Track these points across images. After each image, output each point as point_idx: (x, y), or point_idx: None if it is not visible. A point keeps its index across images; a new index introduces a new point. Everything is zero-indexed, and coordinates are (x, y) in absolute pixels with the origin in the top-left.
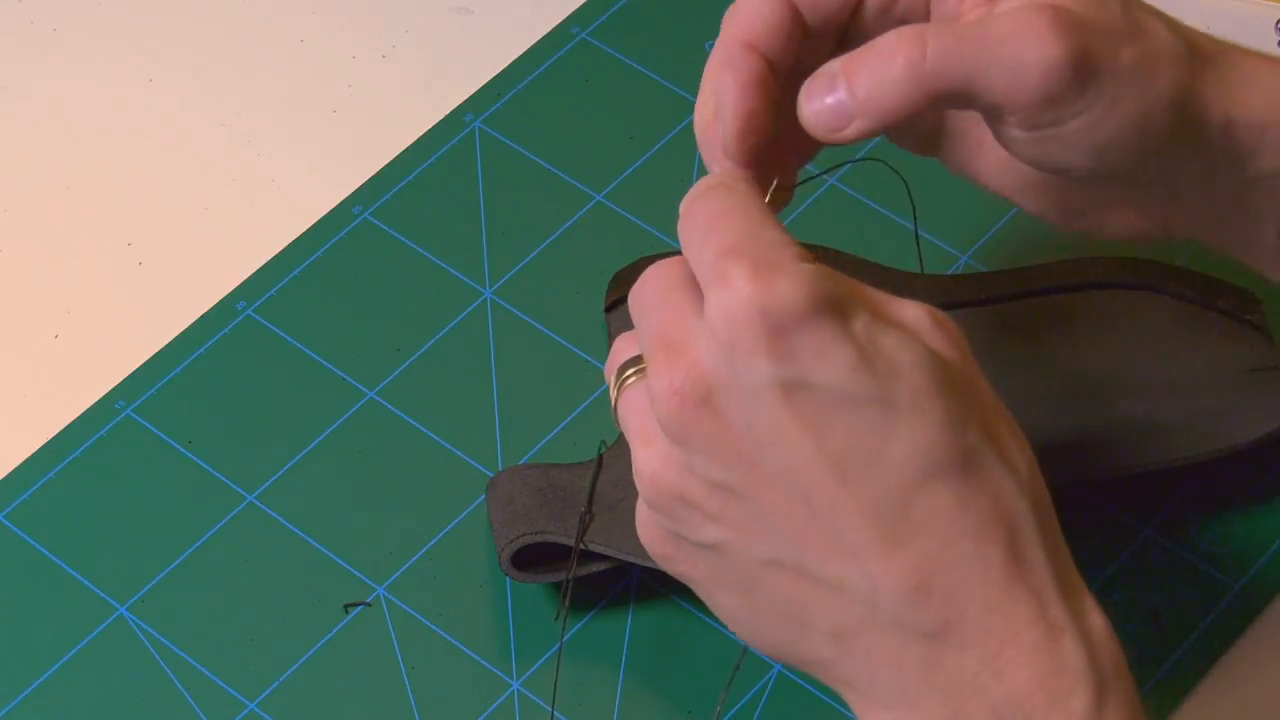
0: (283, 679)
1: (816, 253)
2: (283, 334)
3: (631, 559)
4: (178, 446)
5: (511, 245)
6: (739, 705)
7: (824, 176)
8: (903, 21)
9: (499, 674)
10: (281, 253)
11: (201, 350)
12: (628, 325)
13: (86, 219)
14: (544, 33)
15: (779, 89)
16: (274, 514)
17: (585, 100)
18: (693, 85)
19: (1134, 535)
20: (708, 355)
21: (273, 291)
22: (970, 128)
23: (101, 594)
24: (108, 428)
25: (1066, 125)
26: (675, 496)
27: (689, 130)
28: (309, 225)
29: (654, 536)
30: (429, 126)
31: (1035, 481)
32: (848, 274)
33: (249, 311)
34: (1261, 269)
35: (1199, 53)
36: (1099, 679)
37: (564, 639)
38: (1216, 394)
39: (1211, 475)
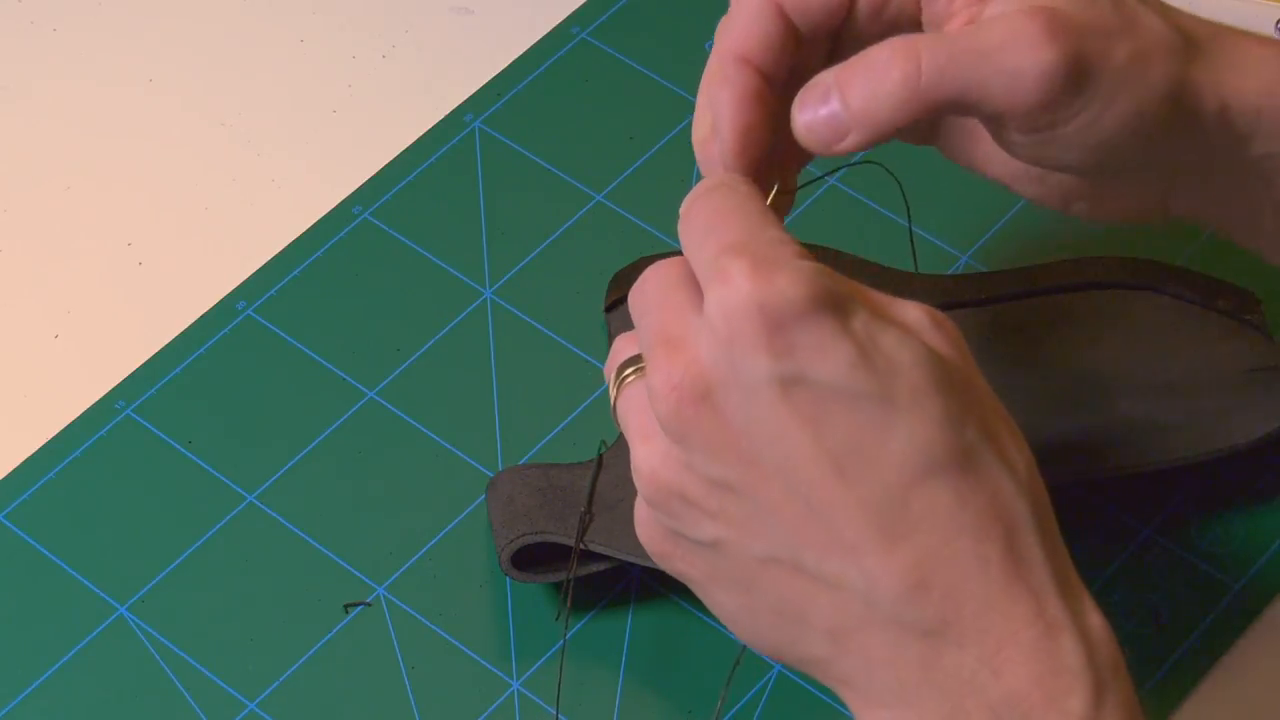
0: (283, 679)
1: (816, 253)
2: (283, 334)
3: (631, 559)
4: (178, 446)
5: (511, 245)
6: (739, 705)
7: (824, 177)
8: (894, 23)
9: (499, 674)
10: (281, 253)
11: (201, 350)
12: (628, 325)
13: (86, 219)
14: (544, 33)
15: (775, 99)
16: (274, 514)
17: (585, 100)
18: (693, 85)
19: (1134, 535)
20: (707, 351)
21: (273, 291)
22: (966, 117)
23: (101, 594)
24: (108, 428)
25: (1064, 128)
26: (674, 494)
27: (689, 130)
28: (309, 225)
29: (652, 535)
30: (429, 126)
31: (1034, 481)
32: (847, 274)
33: (249, 311)
34: (1261, 251)
35: (1192, 40)
36: (1097, 678)
37: (565, 639)
38: (1216, 394)
39: (1211, 475)
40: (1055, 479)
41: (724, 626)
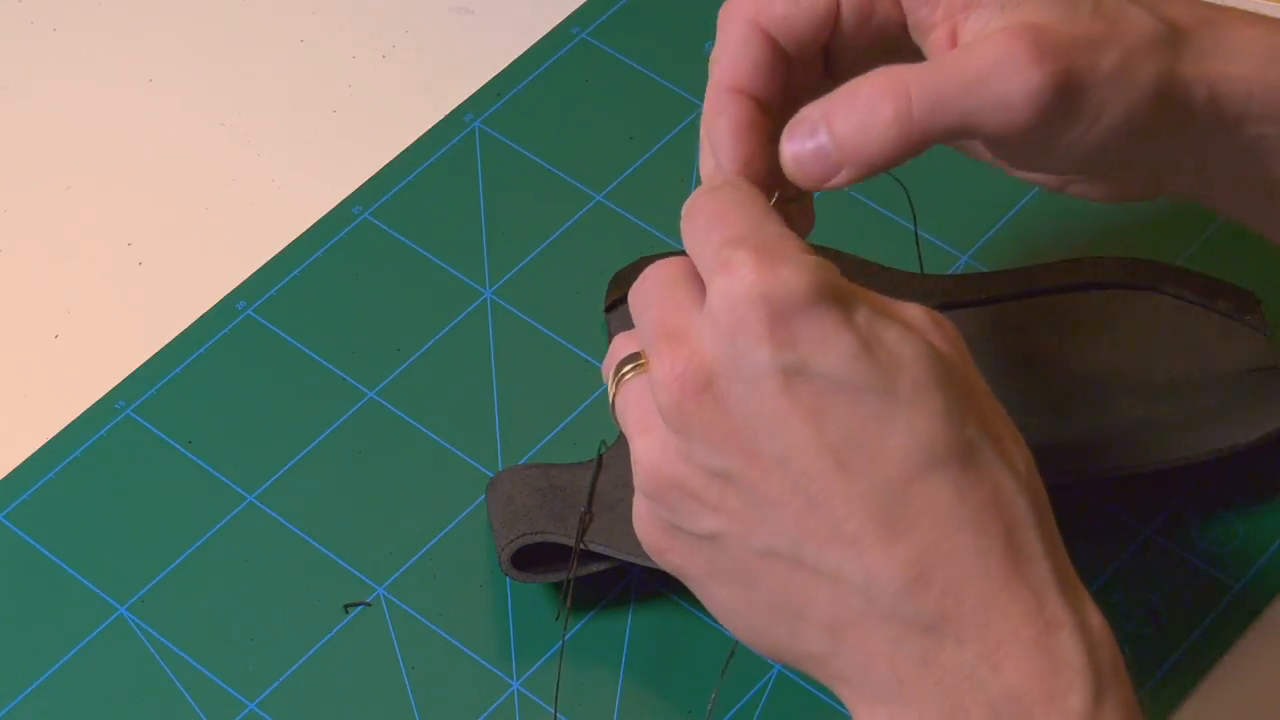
0: (283, 679)
1: (816, 252)
2: (283, 334)
3: (631, 559)
4: (178, 446)
5: (511, 245)
6: (739, 705)
7: None
8: (882, 29)
9: (499, 674)
10: (281, 253)
11: (201, 350)
12: (628, 325)
13: (86, 219)
14: (544, 33)
15: (774, 124)
16: (274, 514)
17: (585, 100)
18: (693, 85)
19: (1134, 535)
20: (710, 343)
21: (273, 291)
22: None
23: (101, 594)
24: (108, 428)
25: (1055, 141)
26: (673, 485)
27: (689, 130)
28: (309, 225)
29: (651, 529)
30: (429, 126)
31: (1033, 480)
32: (847, 274)
33: (249, 311)
34: (1259, 229)
35: (1178, 31)
36: (1097, 676)
37: (565, 639)
38: (1216, 394)
39: (1211, 475)
40: (1055, 479)
41: (724, 626)
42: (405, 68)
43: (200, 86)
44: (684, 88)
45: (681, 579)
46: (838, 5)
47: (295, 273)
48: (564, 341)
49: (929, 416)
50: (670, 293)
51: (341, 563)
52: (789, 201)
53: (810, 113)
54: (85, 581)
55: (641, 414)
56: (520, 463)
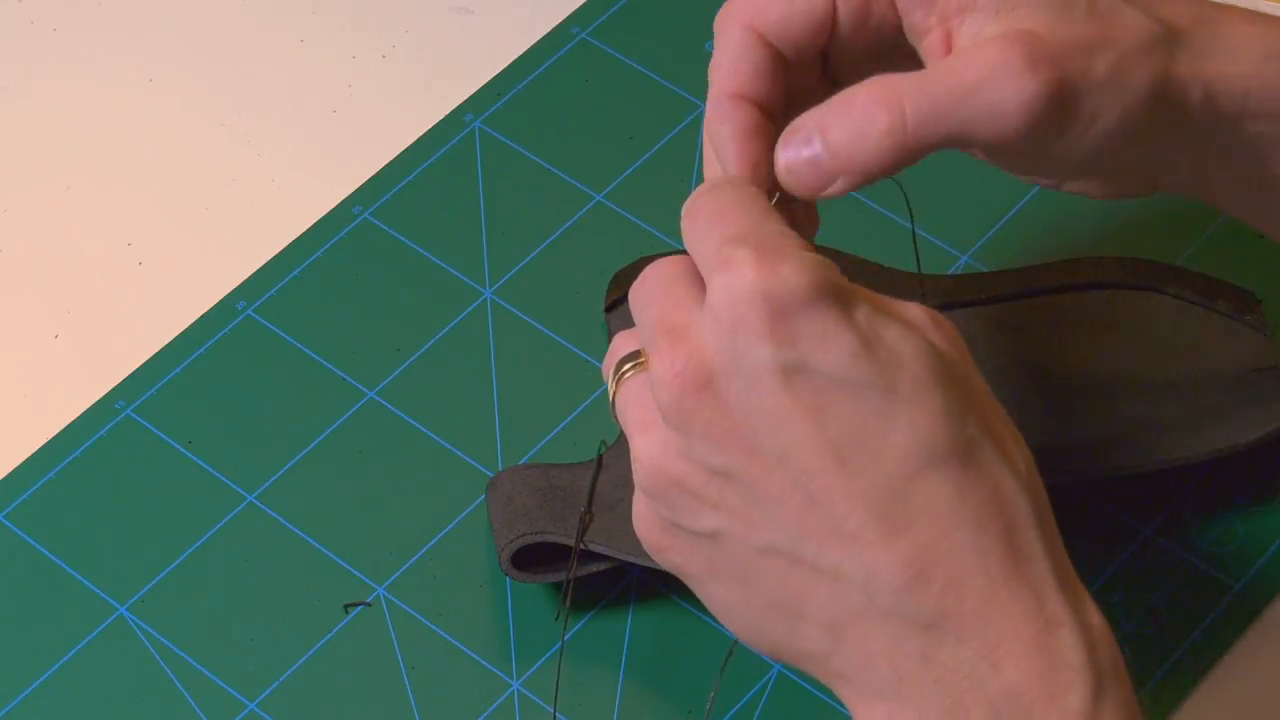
0: (283, 679)
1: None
2: (283, 334)
3: (631, 559)
4: (178, 446)
5: (511, 245)
6: (739, 705)
7: None
8: (879, 31)
9: (499, 674)
10: (281, 253)
11: (201, 350)
12: (628, 325)
13: (86, 219)
14: (544, 33)
15: (776, 128)
16: (274, 514)
17: (585, 100)
18: (692, 85)
19: (1134, 535)
20: (710, 339)
21: (273, 291)
22: None
23: (101, 594)
24: (108, 428)
25: (1049, 148)
26: (674, 483)
27: (689, 130)
28: (309, 225)
29: (650, 527)
30: (429, 126)
31: (1033, 479)
32: (847, 274)
33: (249, 311)
34: (1257, 225)
35: (1174, 30)
36: (1097, 675)
37: (565, 639)
38: (1216, 394)
39: (1211, 475)
40: (1055, 479)
41: (724, 626)
42: (405, 68)
43: (200, 86)
44: (684, 88)
45: (681, 577)
46: (834, 9)
47: (295, 273)
48: (564, 341)
49: (929, 414)
50: (671, 291)
51: (341, 563)
52: (791, 203)
53: (804, 122)
54: (85, 581)
55: (641, 412)
56: (520, 463)
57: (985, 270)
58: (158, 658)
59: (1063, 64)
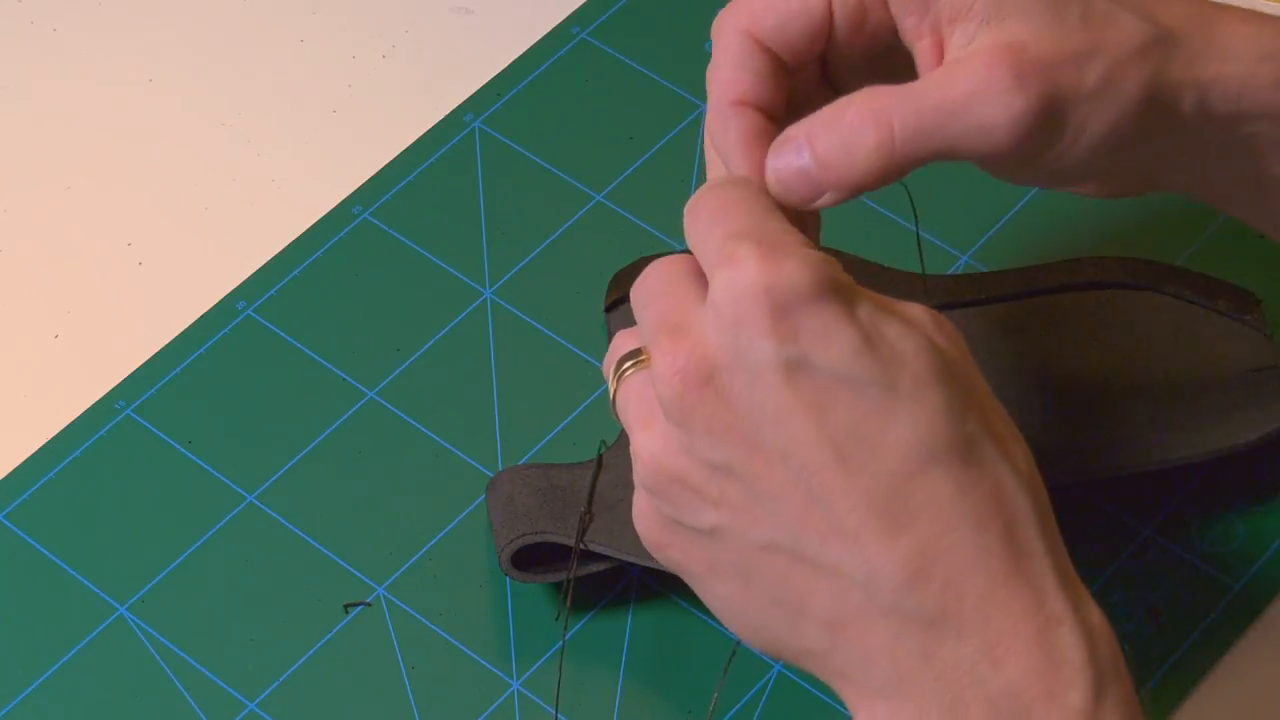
0: (283, 679)
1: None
2: (283, 334)
3: (631, 559)
4: (178, 446)
5: (511, 245)
6: (739, 705)
7: None
8: (875, 36)
9: (499, 674)
10: (281, 253)
11: (201, 350)
12: (628, 325)
13: (86, 219)
14: (544, 33)
15: (780, 130)
16: (274, 514)
17: (585, 100)
18: (693, 85)
19: (1134, 535)
20: (712, 335)
21: (273, 291)
22: None
23: (101, 594)
24: (108, 428)
25: (1039, 159)
26: (675, 479)
27: (689, 130)
28: (309, 225)
29: (651, 524)
30: (429, 126)
31: (1034, 478)
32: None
33: (249, 311)
34: (1254, 223)
35: (1168, 33)
36: (1097, 673)
37: (565, 639)
38: (1216, 394)
39: (1211, 475)
40: (1055, 479)
41: (724, 625)
42: (405, 68)
43: (200, 86)
44: (684, 88)
45: (681, 575)
46: (830, 14)
47: (295, 273)
48: (564, 341)
49: (930, 412)
50: (673, 288)
51: (341, 563)
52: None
53: (795, 133)
54: (85, 581)
55: (642, 409)
56: (520, 463)
57: (985, 270)
58: (158, 658)
59: (1051, 78)
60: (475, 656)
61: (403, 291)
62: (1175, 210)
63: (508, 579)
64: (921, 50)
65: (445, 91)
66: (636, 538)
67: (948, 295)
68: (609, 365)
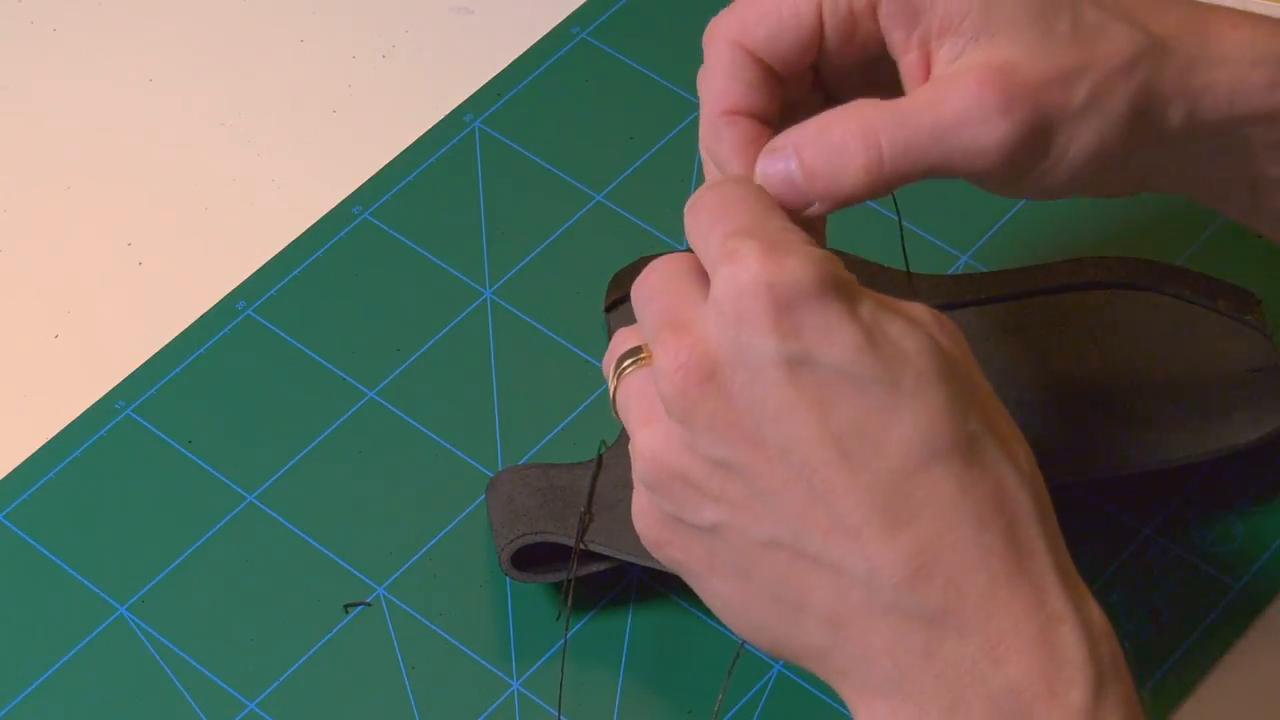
0: (283, 679)
1: None
2: (283, 334)
3: (631, 559)
4: (178, 446)
5: (511, 245)
6: (739, 705)
7: None
8: (865, 50)
9: (499, 674)
10: (281, 253)
11: (201, 350)
12: (628, 324)
13: (86, 219)
14: (544, 33)
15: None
16: (274, 514)
17: (585, 100)
18: (693, 85)
19: (1134, 535)
20: (714, 331)
21: (273, 291)
22: None
23: (101, 594)
24: (108, 428)
25: (1027, 175)
26: (676, 476)
27: (689, 130)
28: (309, 225)
29: (651, 523)
30: (429, 126)
31: (1035, 476)
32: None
33: (249, 311)
34: (1247, 223)
35: (1161, 41)
36: (1098, 671)
37: (565, 639)
38: (1216, 394)
39: (1211, 475)
40: (1055, 478)
41: (725, 626)
42: (405, 68)
43: (200, 86)
44: (684, 88)
45: (681, 574)
46: (821, 26)
47: (295, 273)
48: (564, 341)
49: (932, 409)
50: (675, 286)
51: (341, 563)
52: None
53: (783, 142)
54: (85, 581)
55: (643, 406)
56: (520, 463)
57: (985, 270)
58: (158, 658)
59: (1038, 100)
60: (475, 656)
61: (403, 291)
62: (1175, 210)
63: (508, 579)
64: (907, 64)
65: (445, 91)
66: (637, 537)
67: (948, 295)
68: (609, 363)
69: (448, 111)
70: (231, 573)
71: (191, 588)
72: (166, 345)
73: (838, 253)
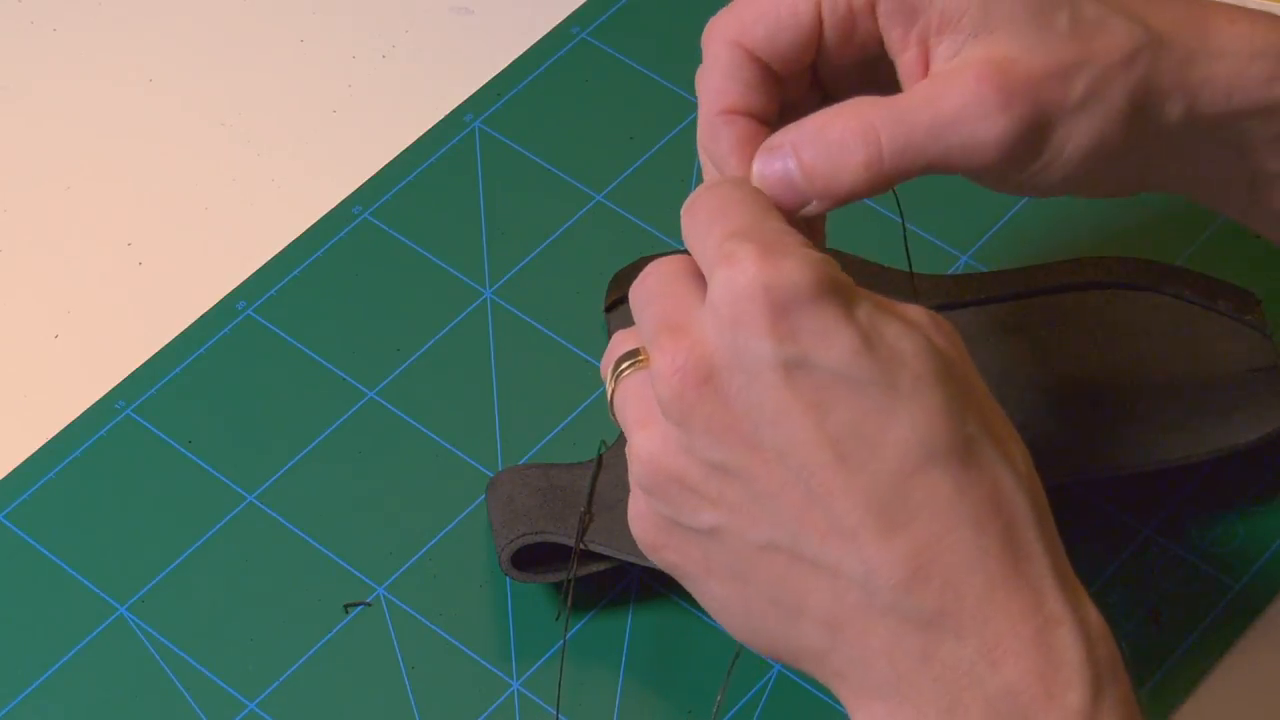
0: (283, 679)
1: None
2: (283, 334)
3: (631, 559)
4: (178, 446)
5: (511, 245)
6: (739, 705)
7: None
8: (863, 50)
9: (499, 674)
10: (281, 253)
11: (201, 350)
12: (628, 325)
13: (86, 219)
14: (544, 33)
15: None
16: (274, 514)
17: (585, 100)
18: (693, 85)
19: (1134, 535)
20: (711, 334)
21: (273, 291)
22: None
23: (101, 594)
24: (108, 428)
25: (1024, 172)
26: (673, 479)
27: (689, 130)
28: (309, 225)
29: (648, 526)
30: (429, 126)
31: (1032, 478)
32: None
33: (249, 311)
34: (1245, 221)
35: (1159, 36)
36: (1096, 673)
37: (565, 639)
38: (1216, 394)
39: (1211, 475)
40: (1055, 479)
41: (721, 625)
42: (405, 68)
43: (200, 86)
44: (684, 88)
45: (678, 577)
46: (820, 25)
47: (295, 273)
48: (564, 341)
49: (929, 411)
50: (672, 288)
51: (341, 563)
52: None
53: (780, 140)
54: (85, 581)
55: (640, 408)
56: (520, 463)
57: (985, 270)
58: (158, 658)
59: (1036, 95)
60: (475, 656)
61: (403, 291)
62: (1175, 210)
63: (508, 579)
64: (906, 62)
65: (445, 91)
66: None
67: (948, 295)
68: (607, 365)
69: (448, 111)
70: (231, 573)
71: (191, 588)
72: (166, 345)
73: (837, 253)
